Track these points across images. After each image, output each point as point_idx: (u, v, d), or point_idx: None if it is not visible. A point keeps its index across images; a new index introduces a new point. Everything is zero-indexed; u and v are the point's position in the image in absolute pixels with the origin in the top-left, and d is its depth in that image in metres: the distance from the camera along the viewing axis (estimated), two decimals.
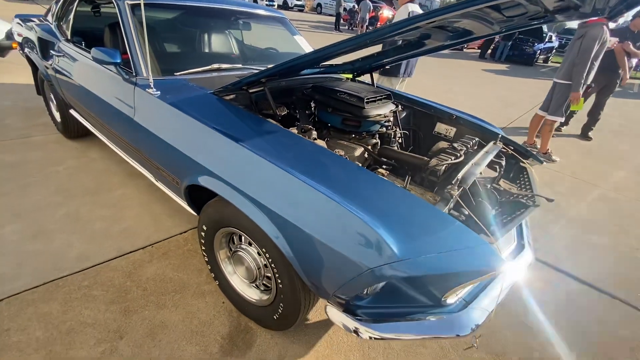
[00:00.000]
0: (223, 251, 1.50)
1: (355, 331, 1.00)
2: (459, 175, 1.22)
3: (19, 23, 3.01)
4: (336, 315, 1.04)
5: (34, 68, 2.99)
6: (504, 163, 1.56)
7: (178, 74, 1.73)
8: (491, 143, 1.63)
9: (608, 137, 5.23)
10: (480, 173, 1.46)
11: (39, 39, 2.50)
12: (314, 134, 1.48)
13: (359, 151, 1.57)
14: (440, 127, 2.02)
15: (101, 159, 2.77)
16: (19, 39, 3.07)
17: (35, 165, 2.57)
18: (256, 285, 1.45)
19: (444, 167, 1.31)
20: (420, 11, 5.03)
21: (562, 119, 3.88)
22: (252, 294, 1.45)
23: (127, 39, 1.67)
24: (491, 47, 13.34)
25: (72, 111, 2.56)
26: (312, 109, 1.83)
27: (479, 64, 11.69)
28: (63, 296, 1.56)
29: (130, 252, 1.87)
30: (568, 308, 1.87)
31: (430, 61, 10.93)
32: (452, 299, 1.09)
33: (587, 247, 2.43)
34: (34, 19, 2.88)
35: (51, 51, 2.36)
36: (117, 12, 1.75)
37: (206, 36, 2.20)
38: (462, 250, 0.94)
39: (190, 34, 2.12)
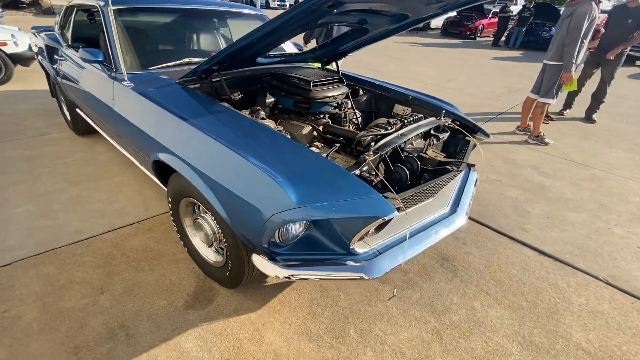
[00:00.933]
0: (188, 219, 1.71)
1: (276, 275, 1.18)
2: (379, 144, 1.36)
3: (34, 34, 3.40)
4: (259, 261, 1.22)
5: (47, 73, 3.36)
6: (442, 136, 1.67)
7: (152, 68, 1.96)
8: (431, 118, 1.75)
9: (615, 120, 5.06)
10: (412, 144, 1.58)
11: (46, 46, 2.84)
12: (262, 114, 1.66)
13: (306, 129, 1.73)
14: (398, 108, 2.14)
15: (106, 152, 3.09)
16: (35, 49, 3.46)
17: (48, 158, 2.91)
18: (214, 249, 1.65)
19: (369, 138, 1.45)
20: None
21: (554, 101, 3.83)
22: (211, 256, 1.66)
23: (108, 39, 1.93)
24: (505, 34, 12.95)
25: (77, 110, 2.88)
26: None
27: (490, 52, 11.41)
28: (59, 261, 1.84)
29: (120, 227, 2.14)
30: (521, 275, 1.95)
31: (438, 51, 10.80)
32: (362, 249, 1.24)
33: (559, 223, 2.47)
34: (46, 30, 3.25)
35: (55, 56, 2.69)
36: (101, 17, 2.01)
37: (183, 34, 2.43)
38: (355, 199, 1.09)
39: (168, 32, 2.35)
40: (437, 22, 15.93)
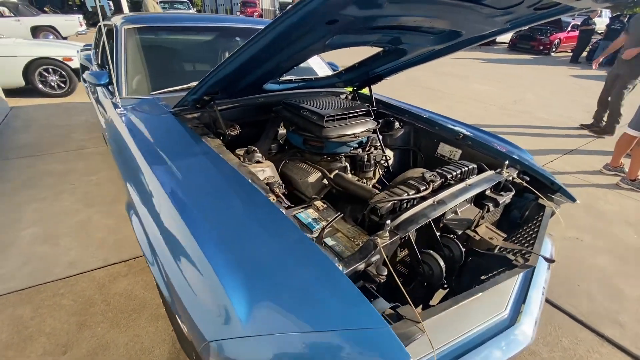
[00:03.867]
0: None
1: None
2: (401, 218, 0.92)
3: (79, 52, 3.54)
4: None
5: None
6: (503, 200, 1.16)
7: (155, 92, 1.75)
8: (488, 172, 1.24)
9: None
10: (456, 212, 1.10)
11: (81, 65, 2.87)
12: (257, 156, 1.31)
13: (314, 177, 1.34)
14: (444, 149, 1.66)
15: None
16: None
17: (76, 174, 2.91)
18: None
19: (389, 204, 1.01)
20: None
21: None
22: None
23: (111, 61, 1.75)
24: (587, 49, 11.34)
25: None
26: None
27: (568, 70, 10.00)
28: (38, 302, 1.67)
29: (114, 263, 1.94)
30: None
31: (504, 68, 9.74)
32: None
33: None
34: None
35: (83, 75, 2.68)
36: (114, 34, 1.87)
37: (192, 55, 2.20)
38: (344, 331, 0.66)
39: (177, 54, 2.15)
40: (505, 36, 14.62)
